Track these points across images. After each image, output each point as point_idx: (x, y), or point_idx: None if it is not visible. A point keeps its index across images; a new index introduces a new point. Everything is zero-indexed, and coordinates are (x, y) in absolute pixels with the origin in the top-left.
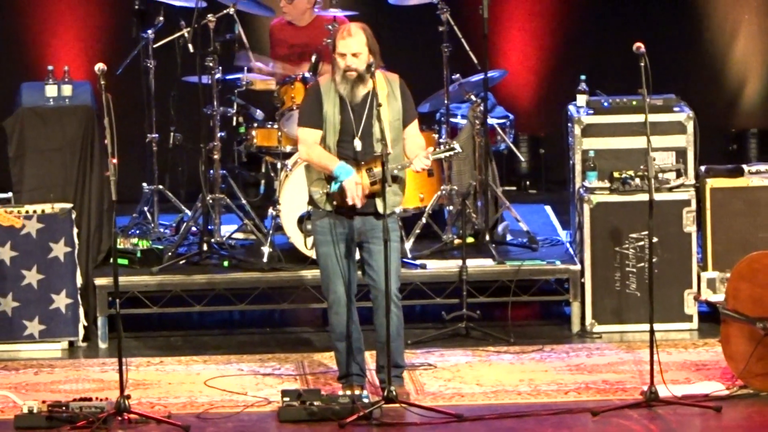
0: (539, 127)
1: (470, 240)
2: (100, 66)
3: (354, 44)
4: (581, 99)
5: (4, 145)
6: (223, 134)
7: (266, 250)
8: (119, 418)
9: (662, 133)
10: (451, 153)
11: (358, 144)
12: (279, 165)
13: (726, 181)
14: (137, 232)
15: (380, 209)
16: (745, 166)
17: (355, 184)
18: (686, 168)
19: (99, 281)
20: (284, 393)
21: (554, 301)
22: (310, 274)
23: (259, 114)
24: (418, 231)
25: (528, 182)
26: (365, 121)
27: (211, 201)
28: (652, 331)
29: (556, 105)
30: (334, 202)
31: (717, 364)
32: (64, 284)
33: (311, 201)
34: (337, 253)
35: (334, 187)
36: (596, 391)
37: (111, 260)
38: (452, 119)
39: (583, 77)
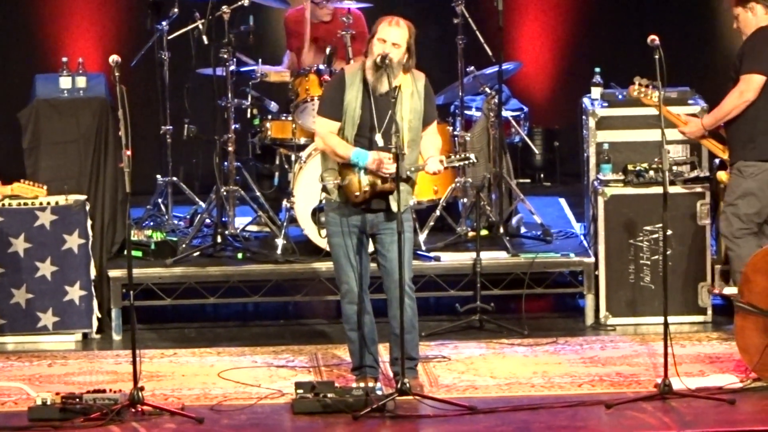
0: (554, 119)
1: (484, 232)
2: (114, 58)
3: (397, 35)
4: (596, 91)
5: (18, 137)
6: (237, 126)
7: (280, 242)
8: (133, 410)
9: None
10: (466, 162)
11: (379, 139)
12: (293, 157)
13: None
14: (151, 224)
15: (393, 207)
16: None
17: (379, 157)
18: (700, 161)
19: (113, 273)
20: (298, 385)
21: (568, 293)
22: (324, 266)
23: (273, 106)
24: (432, 223)
25: (542, 175)
26: (388, 119)
27: (225, 193)
28: (666, 324)
29: (571, 97)
30: (362, 191)
31: (731, 356)
32: (78, 276)
33: (324, 189)
34: (348, 243)
35: (363, 176)
36: (610, 384)
37: (125, 252)
38: (467, 111)
39: (597, 70)
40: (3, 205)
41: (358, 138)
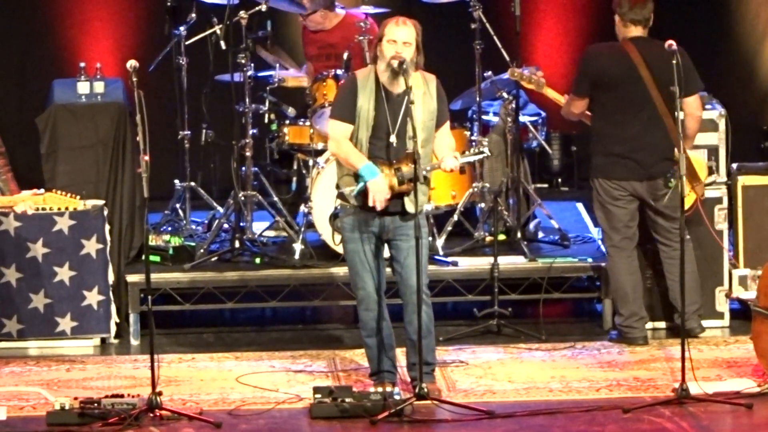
0: (571, 124)
1: (502, 237)
2: (132, 63)
3: (407, 33)
4: None
5: (36, 142)
6: (255, 131)
7: (298, 247)
8: (151, 415)
9: None
10: (481, 157)
11: (394, 140)
12: (311, 162)
13: (758, 178)
14: (169, 229)
15: (409, 209)
16: None
17: (379, 187)
18: (718, 165)
19: (131, 278)
20: (316, 390)
21: (586, 298)
22: (342, 271)
23: (290, 111)
24: (449, 228)
25: (560, 179)
26: (401, 119)
27: (243, 198)
28: (683, 328)
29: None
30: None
31: (748, 361)
32: (96, 281)
33: (340, 196)
34: (365, 249)
35: (359, 187)
36: (628, 388)
37: (143, 257)
38: (484, 116)
39: None
40: None
41: (372, 140)
